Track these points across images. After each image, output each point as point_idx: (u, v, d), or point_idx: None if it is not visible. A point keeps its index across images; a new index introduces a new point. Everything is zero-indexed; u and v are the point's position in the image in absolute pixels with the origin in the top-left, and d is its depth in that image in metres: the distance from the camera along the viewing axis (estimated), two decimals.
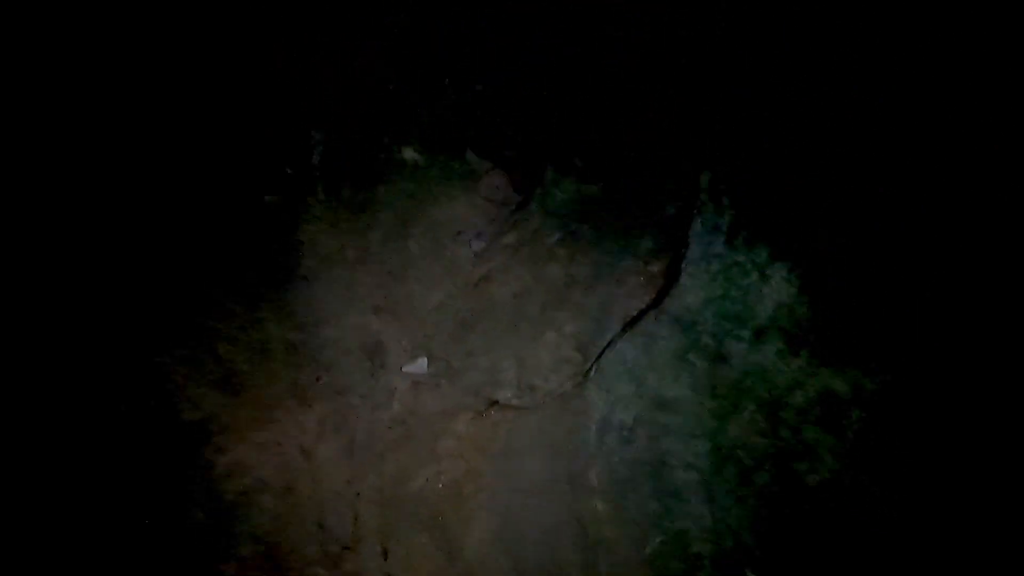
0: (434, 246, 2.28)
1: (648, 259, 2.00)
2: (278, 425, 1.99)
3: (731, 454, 1.59)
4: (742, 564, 1.54)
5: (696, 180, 1.82)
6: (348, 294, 2.23)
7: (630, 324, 1.88)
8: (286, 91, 2.34)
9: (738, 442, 1.59)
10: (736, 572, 1.53)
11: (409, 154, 2.42)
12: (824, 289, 1.55)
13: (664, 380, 1.73)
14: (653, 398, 1.74)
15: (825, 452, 1.48)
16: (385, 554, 1.85)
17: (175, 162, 2.16)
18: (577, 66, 2.23)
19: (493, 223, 2.36)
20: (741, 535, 1.56)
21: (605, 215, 2.11)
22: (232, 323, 2.11)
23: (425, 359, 2.05)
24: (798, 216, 1.60)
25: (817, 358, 1.53)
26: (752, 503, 1.56)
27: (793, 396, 1.54)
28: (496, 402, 1.96)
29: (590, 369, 1.89)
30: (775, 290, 1.60)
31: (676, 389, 1.71)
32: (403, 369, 2.04)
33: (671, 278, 1.86)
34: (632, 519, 1.67)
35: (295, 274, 2.22)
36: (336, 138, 2.41)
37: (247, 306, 2.13)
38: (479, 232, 2.33)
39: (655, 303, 1.86)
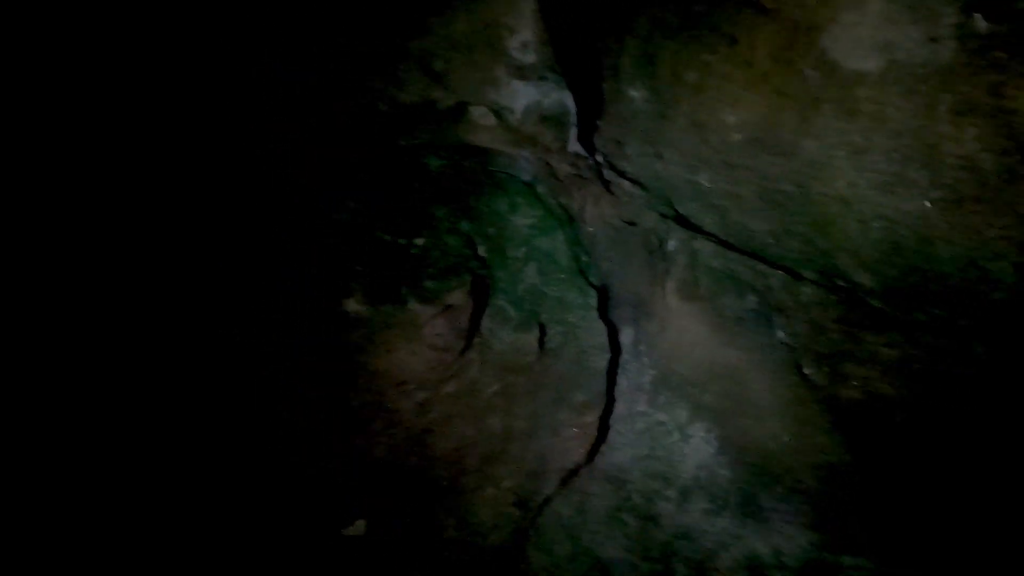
0: (376, 398, 2.32)
1: (582, 410, 2.06)
2: None
3: None
4: None
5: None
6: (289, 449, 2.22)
7: (566, 480, 1.91)
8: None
9: None
10: None
11: (352, 306, 2.50)
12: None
13: (598, 539, 1.75)
14: (589, 559, 1.75)
15: None
16: None
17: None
18: None
19: (435, 371, 2.42)
20: None
21: (539, 366, 2.18)
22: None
23: (364, 522, 2.03)
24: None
25: (739, 519, 1.58)
26: None
27: (720, 559, 1.58)
28: (438, 562, 1.94)
29: (529, 527, 1.90)
30: (696, 450, 1.66)
31: (611, 550, 1.72)
32: (342, 532, 2.01)
33: (603, 431, 1.91)
34: None
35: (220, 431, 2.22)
36: (286, 293, 2.48)
37: None
38: (422, 382, 2.38)
39: (589, 458, 1.90)
